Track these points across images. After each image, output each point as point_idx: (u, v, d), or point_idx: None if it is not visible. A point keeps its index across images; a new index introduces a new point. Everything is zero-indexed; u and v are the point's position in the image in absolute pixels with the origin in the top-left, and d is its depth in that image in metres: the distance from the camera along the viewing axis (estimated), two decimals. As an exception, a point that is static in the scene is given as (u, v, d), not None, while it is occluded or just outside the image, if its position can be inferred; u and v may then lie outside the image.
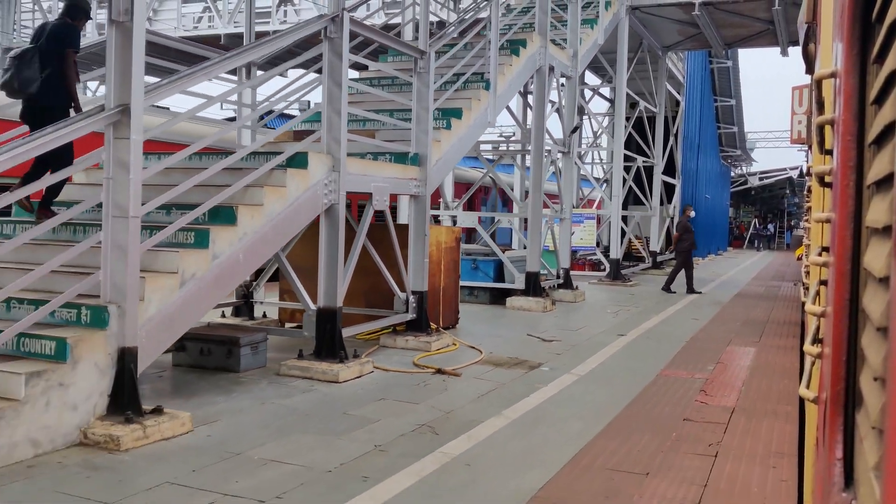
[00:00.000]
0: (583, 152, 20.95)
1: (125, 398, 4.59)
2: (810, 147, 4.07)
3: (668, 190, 23.03)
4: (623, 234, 18.11)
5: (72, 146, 5.23)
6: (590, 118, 21.37)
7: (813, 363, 1.59)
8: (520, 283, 11.79)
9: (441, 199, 14.62)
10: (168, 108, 12.88)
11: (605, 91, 21.83)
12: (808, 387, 1.55)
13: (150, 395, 5.35)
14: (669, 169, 22.71)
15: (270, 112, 10.50)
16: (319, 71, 6.94)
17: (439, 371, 6.88)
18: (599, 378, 7.02)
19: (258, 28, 18.64)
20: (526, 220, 14.20)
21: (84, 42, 6.32)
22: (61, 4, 19.39)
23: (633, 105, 19.83)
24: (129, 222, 4.55)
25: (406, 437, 4.90)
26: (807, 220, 3.99)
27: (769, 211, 55.79)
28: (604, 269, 17.82)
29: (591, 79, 21.95)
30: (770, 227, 49.87)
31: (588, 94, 21.27)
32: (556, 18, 12.92)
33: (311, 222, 6.68)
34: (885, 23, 0.88)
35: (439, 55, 8.73)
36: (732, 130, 34.53)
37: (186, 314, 5.13)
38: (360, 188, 7.16)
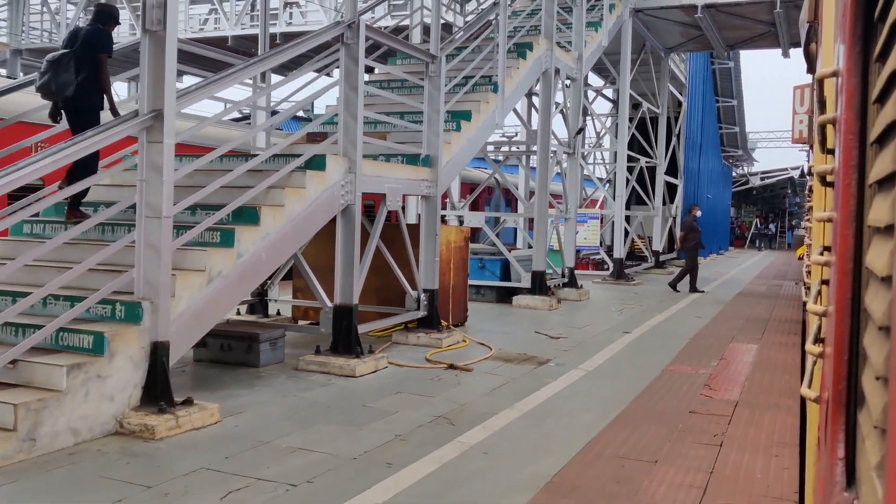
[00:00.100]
0: (586, 153, 21.16)
1: (158, 390, 4.82)
2: (811, 146, 4.13)
3: (671, 190, 23.24)
4: (626, 233, 18.32)
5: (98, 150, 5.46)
6: (593, 119, 21.58)
7: (814, 362, 1.59)
8: (526, 282, 12.01)
9: (448, 200, 14.84)
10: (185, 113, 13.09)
11: (608, 92, 22.04)
12: (809, 386, 1.54)
13: (175, 389, 5.56)
14: (672, 169, 22.92)
15: (274, 113, 10.72)
16: (328, 74, 7.21)
17: (452, 366, 7.10)
18: (606, 373, 7.24)
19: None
20: (530, 219, 14.43)
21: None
22: (69, 6, 19.50)
23: (635, 106, 20.03)
24: (162, 222, 4.78)
25: (424, 428, 5.12)
26: (808, 220, 4.00)
27: (770, 210, 55.96)
28: (607, 269, 18.03)
29: (595, 80, 22.15)
30: (771, 226, 50.04)
31: (591, 94, 21.47)
32: (561, 21, 13.13)
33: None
34: (888, 22, 0.87)
35: (449, 59, 8.95)
36: (734, 131, 34.74)
37: (213, 310, 5.36)
38: (375, 189, 7.38)
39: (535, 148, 12.52)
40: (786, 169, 42.14)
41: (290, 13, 20.17)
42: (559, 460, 4.51)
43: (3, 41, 22.68)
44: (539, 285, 11.81)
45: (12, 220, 4.79)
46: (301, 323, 9.04)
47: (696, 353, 8.39)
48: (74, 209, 6.05)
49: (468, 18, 14.57)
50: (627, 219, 18.91)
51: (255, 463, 4.27)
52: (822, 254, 1.43)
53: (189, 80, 17.42)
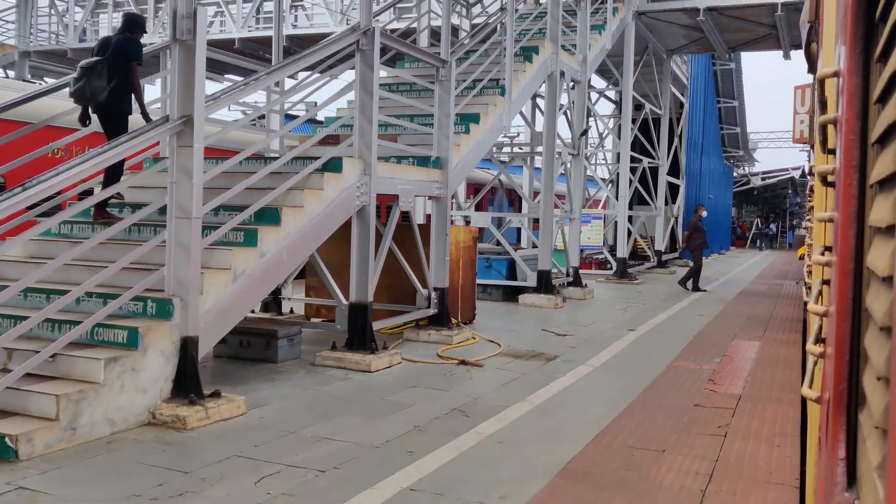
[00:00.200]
0: (589, 153, 21.39)
1: (187, 382, 5.05)
2: (812, 147, 4.14)
3: (673, 190, 23.47)
4: (629, 233, 18.55)
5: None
6: (595, 120, 21.81)
7: (815, 363, 1.58)
8: (532, 281, 12.23)
9: (454, 200, 15.06)
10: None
11: (611, 93, 22.27)
12: (810, 386, 1.53)
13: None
14: (674, 170, 23.15)
15: (287, 116, 10.96)
16: (334, 75, 7.42)
17: (463, 362, 7.32)
18: (613, 369, 7.46)
19: (269, 33, 19.13)
20: (534, 219, 14.66)
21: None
22: (77, 8, 19.65)
23: (638, 107, 20.25)
24: (192, 223, 5.01)
25: (441, 419, 5.35)
26: (809, 220, 4.17)
27: (771, 210, 56.20)
28: (610, 268, 18.25)
29: (597, 81, 22.38)
30: (772, 226, 50.26)
31: (594, 96, 21.69)
32: (565, 24, 13.35)
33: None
34: (889, 22, 0.88)
35: (458, 63, 9.17)
36: (735, 131, 34.97)
37: (238, 307, 5.59)
38: (388, 190, 7.61)
39: (539, 149, 12.75)
40: (787, 169, 42.37)
41: (296, 16, 20.39)
42: (571, 449, 4.74)
43: (12, 43, 22.93)
44: (545, 284, 12.04)
45: (53, 221, 5.01)
46: (313, 320, 9.27)
47: (699, 349, 8.61)
48: (101, 210, 6.28)
49: (474, 21, 14.78)
50: (630, 219, 19.13)
51: (283, 451, 4.49)
52: (823, 254, 1.41)
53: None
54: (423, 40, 13.27)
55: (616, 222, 18.18)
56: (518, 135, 27.92)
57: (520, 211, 22.50)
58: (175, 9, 4.90)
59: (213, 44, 15.75)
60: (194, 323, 5.08)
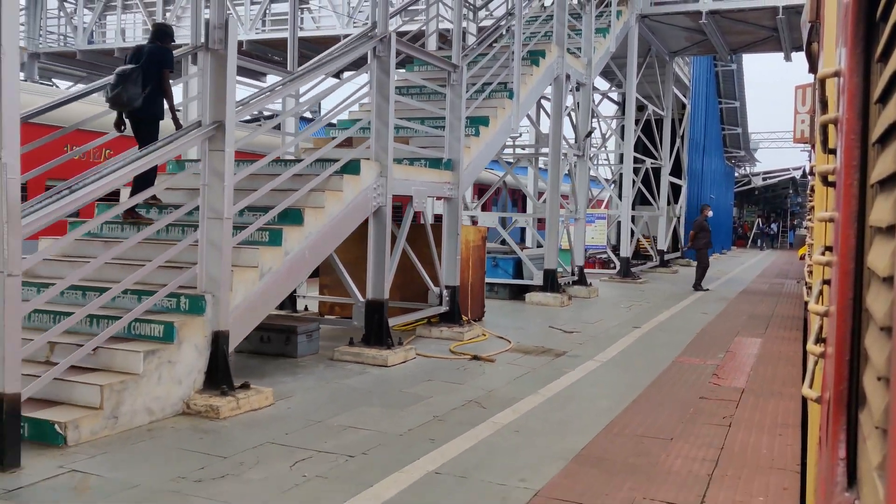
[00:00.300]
0: (592, 154, 21.65)
1: (219, 374, 5.31)
2: (813, 146, 4.25)
3: (675, 190, 23.75)
4: (632, 233, 18.81)
5: None
6: (598, 121, 22.07)
7: (816, 363, 1.58)
8: (538, 280, 12.50)
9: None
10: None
11: (614, 94, 22.53)
12: (811, 386, 1.53)
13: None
14: (676, 170, 23.41)
15: (302, 118, 11.23)
16: (338, 76, 7.68)
17: (475, 357, 7.59)
18: (620, 364, 7.73)
19: (278, 35, 19.41)
20: (539, 219, 14.92)
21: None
22: (86, 10, 19.91)
23: (640, 108, 20.52)
24: (223, 223, 5.28)
25: (458, 410, 5.62)
26: (810, 220, 4.27)
27: (772, 210, 56.45)
28: (613, 267, 18.52)
29: (600, 83, 22.64)
30: (773, 226, 50.53)
31: (597, 97, 21.95)
32: (570, 27, 13.60)
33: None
34: (890, 22, 0.88)
35: (468, 67, 9.43)
36: (736, 131, 35.24)
37: (265, 303, 5.86)
38: (403, 192, 7.87)
39: (544, 150, 13.00)
40: (787, 169, 42.63)
41: (302, 18, 20.64)
42: (584, 437, 5.00)
43: (21, 45, 23.16)
44: (551, 283, 12.31)
45: (96, 221, 5.28)
46: (327, 317, 9.54)
47: (703, 346, 8.88)
48: (131, 210, 6.55)
49: (481, 24, 15.05)
50: (633, 219, 19.40)
51: (313, 438, 4.76)
52: (823, 254, 1.41)
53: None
54: (432, 43, 13.54)
55: (619, 222, 18.45)
56: (520, 135, 28.20)
57: (522, 210, 22.79)
58: (207, 19, 5.17)
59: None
60: (225, 318, 5.35)
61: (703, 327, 10.39)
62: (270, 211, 5.94)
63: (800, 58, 24.19)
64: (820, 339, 1.48)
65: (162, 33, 6.50)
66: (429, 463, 4.36)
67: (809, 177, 5.96)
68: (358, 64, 9.16)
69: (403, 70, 12.10)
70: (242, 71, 18.39)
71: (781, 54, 19.21)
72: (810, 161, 8.53)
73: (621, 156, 19.93)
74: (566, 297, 12.32)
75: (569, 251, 14.19)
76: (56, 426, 4.34)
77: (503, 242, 14.33)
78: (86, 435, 4.45)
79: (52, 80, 23.42)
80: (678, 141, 23.58)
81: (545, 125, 14.34)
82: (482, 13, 15.71)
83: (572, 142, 13.97)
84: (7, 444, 3.94)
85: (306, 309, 9.84)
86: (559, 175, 12.50)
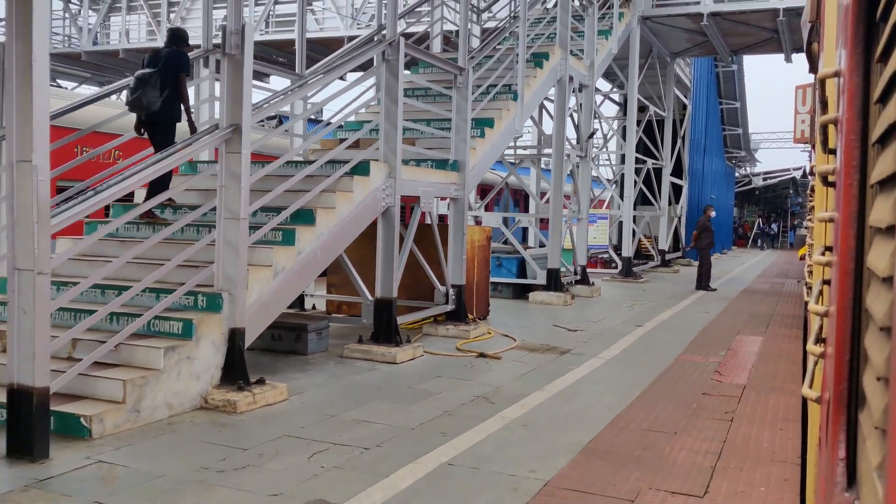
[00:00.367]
0: (594, 155, 21.80)
1: (235, 370, 5.47)
2: (813, 146, 4.30)
3: (676, 191, 23.91)
4: (634, 233, 18.96)
5: None
6: (600, 121, 22.23)
7: (816, 363, 1.58)
8: (541, 279, 12.66)
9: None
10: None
11: (615, 95, 22.68)
12: (810, 386, 1.53)
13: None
14: (677, 170, 23.57)
15: (312, 120, 11.38)
16: (342, 78, 7.77)
17: (482, 355, 7.74)
18: (623, 362, 7.88)
19: (282, 36, 19.56)
20: (541, 219, 15.07)
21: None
22: (91, 11, 20.01)
23: (642, 109, 20.68)
24: (240, 223, 5.43)
25: (467, 405, 5.77)
26: (810, 220, 4.31)
27: (773, 210, 56.61)
28: (615, 267, 18.67)
29: (602, 84, 22.78)
30: (774, 226, 50.69)
31: (598, 98, 22.10)
32: (573, 30, 13.75)
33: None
34: (890, 22, 0.88)
35: (474, 69, 9.58)
36: (737, 132, 35.38)
37: (278, 301, 6.02)
38: (411, 192, 8.02)
39: (546, 151, 13.15)
40: (788, 169, 42.78)
41: (305, 19, 20.75)
42: (590, 431, 5.16)
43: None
44: (554, 282, 12.46)
45: (119, 221, 5.43)
46: (334, 316, 9.69)
47: (705, 344, 9.03)
48: (147, 211, 6.69)
49: (485, 26, 15.19)
50: (634, 219, 19.55)
51: (328, 431, 4.92)
52: (823, 254, 1.41)
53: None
54: (436, 45, 13.69)
55: (621, 222, 18.59)
56: (521, 136, 28.36)
57: (524, 210, 22.95)
58: (224, 25, 5.32)
59: (216, 45, 16.20)
60: (241, 315, 5.50)
61: (704, 326, 10.55)
62: (284, 211, 6.10)
63: (800, 59, 24.34)
64: (820, 340, 1.48)
65: (178, 38, 6.66)
66: (442, 455, 4.51)
67: (810, 177, 6.02)
68: (362, 66, 9.34)
69: (408, 72, 12.24)
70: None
71: (782, 55, 19.38)
72: (810, 161, 8.66)
73: (623, 156, 20.09)
74: (569, 296, 12.48)
75: (571, 251, 14.35)
76: (81, 419, 4.49)
77: (506, 242, 14.48)
78: (109, 428, 4.61)
79: (57, 80, 23.55)
80: (679, 141, 23.73)
81: (547, 126, 14.51)
82: (485, 15, 15.86)
83: (575, 143, 14.13)
84: (37, 436, 4.09)
85: (314, 308, 9.98)
86: (562, 176, 12.65)
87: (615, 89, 22.30)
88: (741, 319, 11.36)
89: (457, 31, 14.15)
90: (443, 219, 11.63)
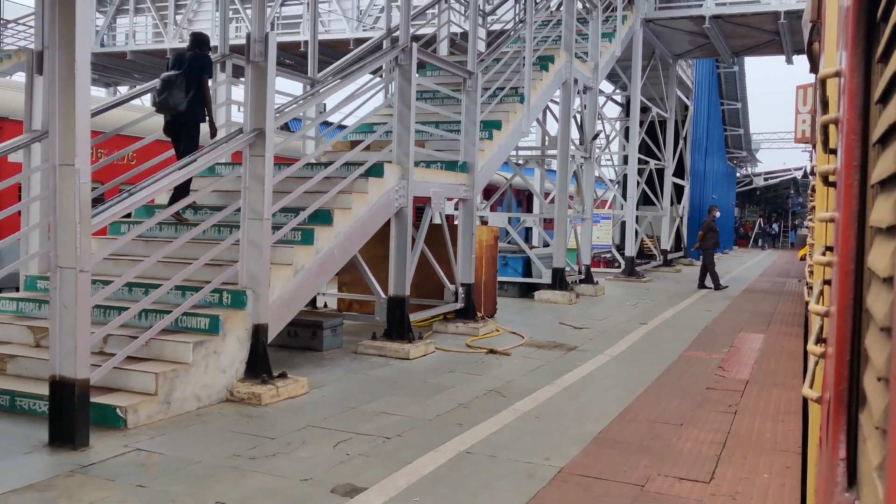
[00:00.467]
0: (597, 155, 22.03)
1: (258, 364, 5.70)
2: (814, 146, 4.25)
3: (678, 191, 24.13)
4: (636, 233, 19.19)
5: None
6: (603, 122, 22.44)
7: (816, 363, 1.58)
8: (546, 278, 12.89)
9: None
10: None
11: (618, 96, 22.90)
12: (811, 386, 1.53)
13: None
14: (679, 171, 23.79)
15: (324, 123, 11.61)
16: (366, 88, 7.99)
17: (492, 351, 7.97)
18: (629, 358, 8.11)
19: (288, 38, 19.78)
20: (545, 219, 15.30)
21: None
22: (98, 14, 20.20)
23: (644, 110, 20.89)
24: (263, 224, 5.66)
25: (481, 399, 6.00)
26: (811, 220, 4.38)
27: (774, 210, 56.82)
28: (618, 266, 18.90)
29: (605, 85, 22.99)
30: (774, 226, 50.91)
31: (601, 99, 22.31)
32: (577, 32, 13.98)
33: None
34: (890, 22, 0.89)
35: (482, 73, 9.81)
36: (738, 132, 35.60)
37: (298, 298, 6.25)
38: (422, 193, 8.26)
39: (550, 151, 13.37)
40: (789, 169, 43.01)
41: (316, 23, 20.95)
42: (600, 423, 5.39)
43: (32, 47, 23.51)
44: (559, 281, 12.69)
45: (151, 222, 5.67)
46: (345, 314, 9.92)
47: (708, 341, 9.26)
48: (175, 212, 6.93)
49: (491, 29, 15.42)
50: (637, 219, 19.78)
51: (350, 422, 5.15)
52: (824, 254, 1.40)
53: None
54: (443, 48, 13.92)
55: (624, 222, 18.82)
56: (528, 135, 28.58)
57: (527, 210, 23.18)
58: (249, 34, 5.55)
59: (234, 49, 16.44)
60: (264, 312, 5.73)
61: (707, 324, 10.77)
62: (303, 212, 6.33)
63: (801, 60, 24.56)
64: (820, 340, 1.48)
65: (200, 42, 6.90)
66: (460, 444, 4.74)
67: (810, 177, 6.12)
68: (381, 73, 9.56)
69: (417, 75, 12.46)
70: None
71: (783, 57, 19.61)
72: (811, 161, 8.84)
73: (625, 157, 20.31)
74: (574, 294, 12.71)
75: (574, 250, 14.58)
76: (117, 410, 4.72)
77: (511, 242, 14.71)
78: (143, 419, 4.84)
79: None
80: (681, 142, 23.96)
81: (552, 127, 14.75)
82: (490, 18, 16.09)
83: (579, 144, 14.35)
84: (78, 425, 4.32)
85: (325, 305, 10.22)
86: (567, 176, 12.88)
87: (618, 90, 22.52)
88: (743, 317, 11.59)
89: (462, 34, 14.43)
90: (449, 219, 11.86)
